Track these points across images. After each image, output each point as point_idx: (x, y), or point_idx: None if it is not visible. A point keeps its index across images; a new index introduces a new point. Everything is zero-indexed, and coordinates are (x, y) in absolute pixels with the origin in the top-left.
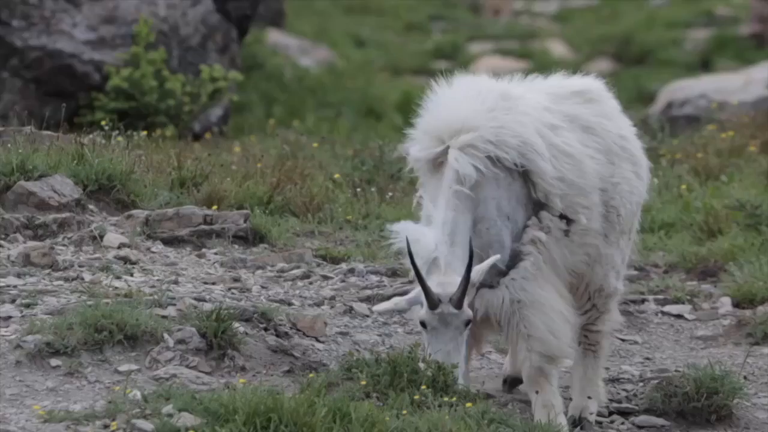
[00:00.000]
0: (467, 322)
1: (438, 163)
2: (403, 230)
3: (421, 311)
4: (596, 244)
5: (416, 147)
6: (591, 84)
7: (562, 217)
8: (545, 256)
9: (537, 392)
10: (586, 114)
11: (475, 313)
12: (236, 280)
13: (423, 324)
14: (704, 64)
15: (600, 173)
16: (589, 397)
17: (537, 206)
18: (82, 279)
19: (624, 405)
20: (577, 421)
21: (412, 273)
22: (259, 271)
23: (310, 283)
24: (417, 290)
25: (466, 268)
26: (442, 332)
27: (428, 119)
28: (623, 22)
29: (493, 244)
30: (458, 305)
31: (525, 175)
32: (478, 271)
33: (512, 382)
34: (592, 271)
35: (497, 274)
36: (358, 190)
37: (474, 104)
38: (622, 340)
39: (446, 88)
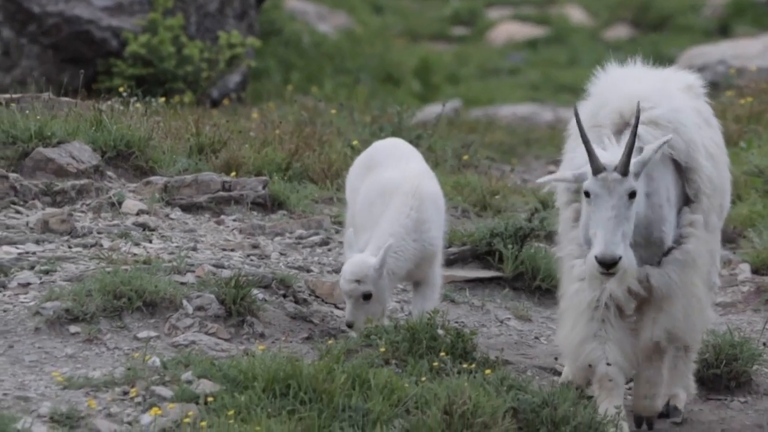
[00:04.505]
0: (631, 193)
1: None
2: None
3: (587, 181)
4: (715, 243)
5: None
6: (693, 78)
7: None
8: (702, 241)
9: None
10: (703, 109)
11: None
12: (255, 246)
13: (587, 193)
14: (723, 30)
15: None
16: (680, 388)
17: (683, 203)
18: (101, 245)
19: None
20: (666, 408)
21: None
22: (278, 238)
23: (329, 250)
24: (584, 167)
25: (630, 134)
26: (605, 200)
27: (607, 93)
28: None
29: (656, 221)
30: (623, 171)
31: (678, 169)
32: (650, 148)
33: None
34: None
35: (660, 252)
36: None
37: (657, 83)
38: None
39: (625, 69)
